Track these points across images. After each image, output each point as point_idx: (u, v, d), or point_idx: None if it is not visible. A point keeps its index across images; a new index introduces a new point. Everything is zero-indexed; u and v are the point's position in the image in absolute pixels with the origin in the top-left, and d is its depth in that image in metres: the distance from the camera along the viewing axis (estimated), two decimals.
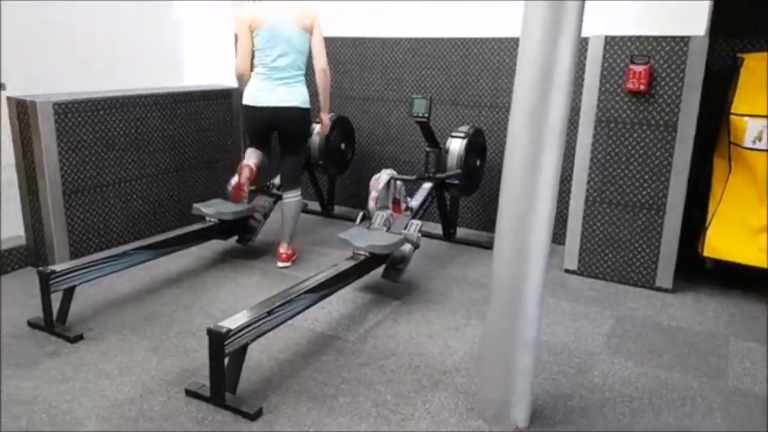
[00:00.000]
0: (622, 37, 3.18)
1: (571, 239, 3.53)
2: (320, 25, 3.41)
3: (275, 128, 3.51)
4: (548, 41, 1.82)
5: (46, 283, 2.70)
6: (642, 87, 3.12)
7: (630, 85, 3.14)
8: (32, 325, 2.81)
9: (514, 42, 3.98)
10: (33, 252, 3.54)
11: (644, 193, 3.29)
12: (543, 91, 1.85)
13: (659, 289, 3.36)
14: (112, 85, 3.95)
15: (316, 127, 4.29)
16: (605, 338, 2.83)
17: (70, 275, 2.79)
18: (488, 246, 3.98)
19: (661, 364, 2.62)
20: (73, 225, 3.49)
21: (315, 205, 4.80)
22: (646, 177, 3.26)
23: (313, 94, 3.52)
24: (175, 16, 4.75)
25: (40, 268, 2.75)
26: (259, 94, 3.39)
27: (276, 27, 3.32)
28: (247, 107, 3.44)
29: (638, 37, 3.14)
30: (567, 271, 3.59)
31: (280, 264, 3.64)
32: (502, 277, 2.03)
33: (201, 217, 3.65)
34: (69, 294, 2.80)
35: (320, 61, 3.43)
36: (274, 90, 3.37)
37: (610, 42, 3.20)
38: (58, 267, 2.79)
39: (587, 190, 3.42)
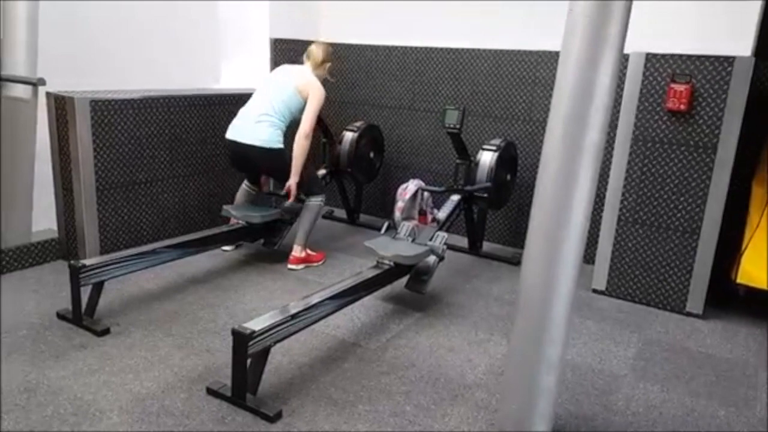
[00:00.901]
0: (663, 55, 3.13)
1: (601, 259, 3.48)
2: (317, 99, 3.57)
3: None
4: (589, 58, 1.80)
5: (76, 276, 2.75)
6: (682, 107, 3.06)
7: (670, 105, 3.09)
8: (61, 317, 2.86)
9: (550, 55, 3.95)
10: (64, 245, 3.61)
11: (679, 215, 3.22)
12: (582, 108, 1.82)
13: (689, 314, 3.28)
14: (149, 84, 4.02)
15: (346, 135, 4.32)
16: (631, 361, 2.77)
17: (100, 270, 2.84)
18: (515, 262, 3.94)
19: (688, 391, 2.55)
20: (104, 221, 3.55)
21: (341, 213, 4.81)
22: (682, 199, 3.20)
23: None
24: (219, 15, 4.82)
25: (72, 262, 2.80)
26: (234, 128, 3.60)
27: (274, 78, 3.65)
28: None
29: (680, 56, 3.09)
30: (595, 291, 3.53)
31: (288, 266, 3.67)
32: (530, 295, 2.00)
33: (228, 219, 3.70)
34: (98, 288, 2.85)
35: (304, 127, 3.55)
36: (246, 127, 3.54)
37: (651, 59, 3.16)
38: (88, 261, 2.84)
39: (620, 210, 3.37)
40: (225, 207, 3.69)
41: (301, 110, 3.57)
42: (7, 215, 3.45)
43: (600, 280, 3.51)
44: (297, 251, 3.69)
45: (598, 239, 3.47)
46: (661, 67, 3.15)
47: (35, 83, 3.31)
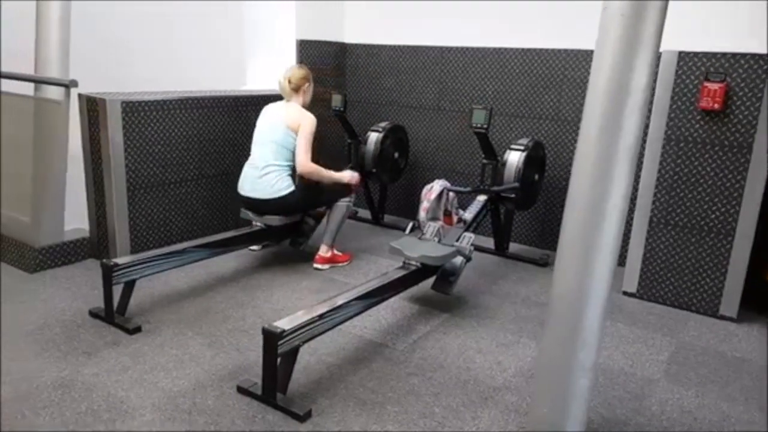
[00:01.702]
0: (696, 53, 3.07)
1: (632, 261, 3.42)
2: (307, 130, 3.45)
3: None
4: (625, 57, 1.77)
5: (109, 275, 2.79)
6: (716, 106, 3.00)
7: (703, 104, 3.03)
8: (93, 315, 2.91)
9: (579, 54, 3.91)
10: (95, 244, 3.67)
11: (712, 216, 3.16)
12: (617, 108, 1.79)
13: (723, 318, 3.21)
14: (177, 85, 4.07)
15: (371, 135, 4.32)
16: (664, 365, 2.72)
17: (132, 269, 2.88)
18: (542, 263, 3.90)
19: (724, 396, 2.50)
20: (134, 220, 3.60)
21: (366, 213, 4.81)
22: (716, 200, 3.14)
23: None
24: (245, 17, 4.86)
25: (104, 261, 2.85)
26: (243, 183, 3.53)
27: (265, 123, 3.53)
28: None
29: (714, 54, 3.03)
30: (625, 293, 3.47)
31: (314, 266, 3.68)
32: (563, 298, 1.97)
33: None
34: (129, 287, 2.89)
35: (299, 161, 3.46)
36: (252, 182, 3.47)
37: (684, 58, 3.10)
38: (120, 260, 2.88)
39: (652, 211, 3.31)
40: (243, 209, 3.60)
41: (295, 144, 3.47)
42: (40, 215, 3.52)
43: (631, 283, 3.45)
44: (323, 251, 3.70)
45: (629, 241, 3.42)
46: (695, 66, 3.09)
47: (68, 85, 3.37)
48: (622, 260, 3.55)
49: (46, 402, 2.22)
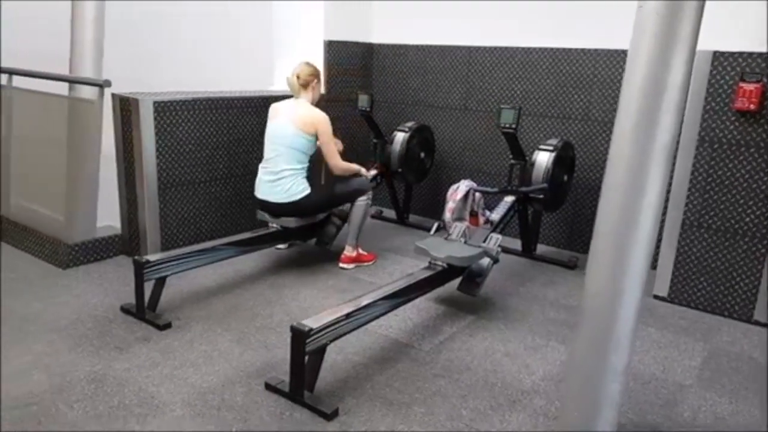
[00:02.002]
0: (732, 53, 3.01)
1: (663, 264, 3.36)
2: (325, 131, 3.44)
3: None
4: (660, 57, 1.74)
5: (140, 271, 2.84)
6: (752, 106, 2.93)
7: (739, 104, 2.97)
8: (125, 310, 2.96)
9: (609, 54, 3.85)
10: (127, 241, 3.73)
11: (747, 219, 3.09)
12: (652, 109, 1.76)
13: (757, 323, 3.14)
14: (206, 86, 4.11)
15: (397, 135, 4.32)
16: (697, 371, 2.67)
17: (163, 265, 2.92)
18: (571, 265, 3.86)
19: (758, 403, 2.44)
20: (165, 218, 3.65)
21: (391, 213, 4.81)
22: (750, 203, 3.07)
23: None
24: (274, 18, 4.89)
25: (136, 257, 2.90)
26: (258, 187, 3.50)
27: (274, 126, 3.45)
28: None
29: (750, 54, 2.96)
30: (656, 297, 3.41)
31: (340, 265, 3.70)
32: (594, 301, 1.95)
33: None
34: (160, 283, 2.93)
35: (332, 163, 3.54)
36: (267, 186, 3.44)
37: (719, 58, 3.04)
38: (152, 257, 2.93)
39: (684, 213, 3.25)
40: (260, 212, 3.56)
41: (309, 145, 3.42)
42: (73, 212, 3.59)
43: (662, 286, 3.40)
44: (348, 251, 3.71)
45: (660, 243, 3.36)
46: (729, 66, 3.02)
47: (101, 85, 3.43)
48: (653, 263, 3.48)
49: (79, 395, 2.27)
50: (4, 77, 4.03)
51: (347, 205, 3.77)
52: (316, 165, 3.64)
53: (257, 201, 3.53)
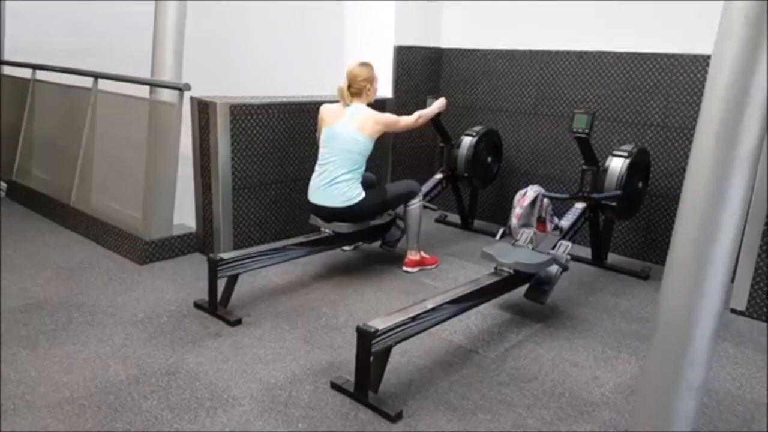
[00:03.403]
0: None
1: (742, 276, 3.20)
2: (391, 119, 3.50)
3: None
4: (746, 61, 1.66)
5: (214, 269, 2.95)
6: None
7: None
8: (198, 306, 3.08)
9: (688, 59, 3.70)
10: (201, 240, 3.88)
11: None
12: (736, 115, 1.68)
13: (734, 311, 2.99)
14: (279, 90, 4.23)
15: (465, 139, 4.29)
16: (766, 388, 2.53)
17: (236, 263, 3.02)
18: (643, 276, 3.72)
19: None
20: (237, 218, 3.77)
21: (455, 218, 4.79)
22: None
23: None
24: (345, 22, 4.96)
25: (211, 255, 3.01)
26: (312, 192, 3.47)
27: (333, 129, 3.40)
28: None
29: None
30: (734, 311, 3.25)
31: (404, 268, 3.72)
32: (670, 314, 1.87)
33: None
34: (233, 280, 3.04)
35: (416, 125, 3.68)
36: (322, 191, 3.41)
37: None
38: (225, 255, 3.03)
39: (765, 224, 3.08)
40: (313, 216, 3.55)
41: (368, 147, 3.39)
42: (151, 210, 3.77)
43: (740, 300, 3.23)
44: (412, 254, 3.72)
45: (738, 255, 3.20)
46: None
47: (181, 88, 3.59)
48: (731, 276, 3.33)
49: (154, 387, 2.37)
50: (90, 80, 4.29)
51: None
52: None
53: (310, 206, 3.50)
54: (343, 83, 3.39)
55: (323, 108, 3.50)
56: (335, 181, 3.36)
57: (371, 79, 3.43)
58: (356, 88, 3.39)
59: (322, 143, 3.46)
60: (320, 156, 3.45)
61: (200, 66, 4.17)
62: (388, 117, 3.49)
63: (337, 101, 3.47)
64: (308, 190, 3.49)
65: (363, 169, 3.45)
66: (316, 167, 3.46)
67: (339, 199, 3.37)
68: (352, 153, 3.36)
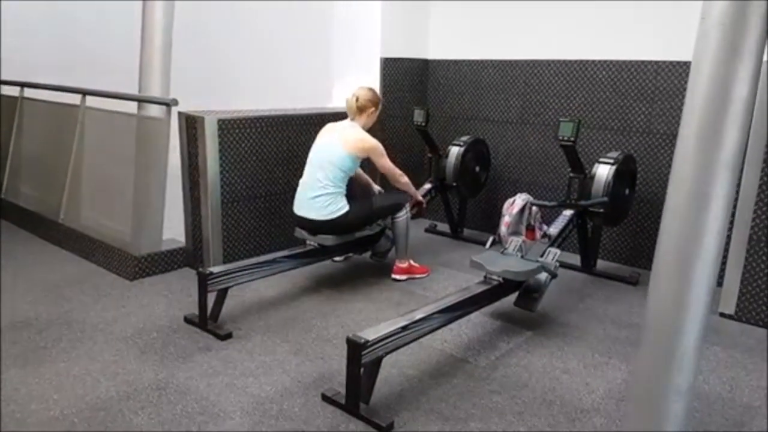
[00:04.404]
0: None
1: (730, 281, 3.23)
2: (380, 155, 3.51)
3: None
4: (725, 68, 1.69)
5: (204, 283, 2.95)
6: None
7: None
8: (188, 320, 3.07)
9: (672, 65, 3.76)
10: (191, 254, 3.87)
11: None
12: (716, 122, 1.71)
13: (722, 315, 3.03)
14: (266, 103, 4.25)
15: (452, 149, 4.32)
16: (765, 391, 2.54)
17: (225, 277, 3.02)
18: (632, 281, 3.75)
19: None
20: (227, 231, 3.77)
21: (445, 227, 4.80)
22: None
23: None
24: (331, 35, 4.99)
25: (200, 269, 3.01)
26: (297, 204, 3.52)
27: (322, 144, 3.48)
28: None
29: None
30: (722, 315, 3.28)
31: (393, 276, 3.74)
32: (657, 318, 1.89)
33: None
34: (223, 294, 3.03)
35: (393, 177, 3.64)
36: (307, 203, 3.45)
37: None
38: (215, 269, 3.03)
39: (752, 228, 3.12)
40: (298, 229, 3.57)
41: (347, 163, 3.40)
42: (140, 226, 3.76)
43: (728, 304, 3.26)
44: (400, 262, 3.74)
45: (726, 259, 3.23)
46: None
47: (168, 103, 3.60)
48: (719, 280, 3.35)
49: (144, 402, 2.36)
50: (78, 97, 4.29)
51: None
52: (353, 182, 3.61)
53: (296, 218, 3.53)
54: (351, 96, 3.52)
55: (328, 125, 3.60)
56: (318, 194, 3.39)
57: (375, 103, 3.56)
58: (362, 103, 3.50)
59: (312, 155, 3.51)
60: (307, 168, 3.50)
61: (188, 81, 4.17)
62: (376, 144, 3.49)
63: (342, 115, 3.61)
64: (294, 202, 3.53)
65: (345, 183, 3.45)
66: (303, 179, 3.51)
67: (322, 212, 3.39)
68: (333, 165, 3.38)
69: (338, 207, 3.40)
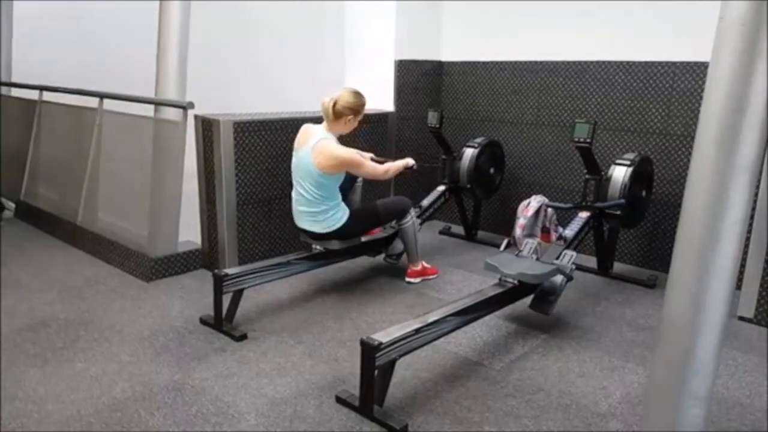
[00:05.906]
0: None
1: (749, 284, 3.18)
2: (355, 165, 3.20)
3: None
4: (744, 69, 1.66)
5: (219, 284, 2.96)
6: None
7: None
8: (203, 322, 3.09)
9: (689, 66, 3.71)
10: (206, 256, 3.90)
11: None
12: (735, 121, 1.69)
13: (742, 319, 2.98)
14: (281, 106, 4.27)
15: (467, 151, 4.31)
16: None
17: (241, 279, 3.04)
18: (649, 284, 3.71)
19: None
20: (242, 233, 3.79)
21: (459, 229, 4.79)
22: None
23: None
24: (345, 38, 5.00)
25: (216, 271, 3.03)
26: (295, 215, 3.37)
27: (298, 157, 3.24)
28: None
29: None
30: (741, 318, 3.23)
31: (406, 279, 3.73)
32: (675, 323, 1.87)
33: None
34: (238, 296, 3.05)
35: (379, 178, 3.40)
36: (302, 216, 3.31)
37: None
38: (230, 270, 3.05)
39: None
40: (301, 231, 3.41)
41: (330, 180, 3.17)
42: (157, 228, 3.79)
43: (747, 307, 3.21)
44: (413, 266, 3.74)
45: (745, 262, 3.18)
46: None
47: (185, 107, 3.63)
48: (738, 283, 3.31)
49: (160, 403, 2.38)
50: (96, 100, 4.35)
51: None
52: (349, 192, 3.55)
53: (301, 231, 3.39)
54: (329, 99, 3.17)
55: (302, 128, 3.31)
56: (311, 210, 3.25)
57: (356, 110, 3.20)
58: (339, 109, 3.14)
59: (293, 171, 3.30)
60: (293, 177, 3.32)
61: (204, 84, 4.21)
62: (349, 158, 3.15)
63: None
64: (293, 213, 3.38)
65: (337, 191, 3.27)
66: (294, 192, 3.33)
67: (320, 225, 3.27)
68: (315, 181, 3.16)
69: (336, 219, 3.26)
